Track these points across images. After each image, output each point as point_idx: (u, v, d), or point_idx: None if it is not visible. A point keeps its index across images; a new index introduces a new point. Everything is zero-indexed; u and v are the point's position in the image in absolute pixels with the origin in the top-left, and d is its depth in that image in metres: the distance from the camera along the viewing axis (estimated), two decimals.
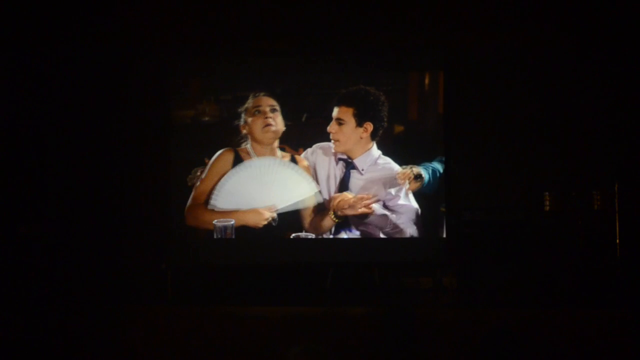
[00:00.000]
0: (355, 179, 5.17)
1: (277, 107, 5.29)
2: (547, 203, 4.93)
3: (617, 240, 4.76)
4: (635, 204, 4.95)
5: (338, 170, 5.21)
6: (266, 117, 5.29)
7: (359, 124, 5.15)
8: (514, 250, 4.71)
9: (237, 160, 5.26)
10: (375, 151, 5.16)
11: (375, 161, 5.16)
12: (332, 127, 5.18)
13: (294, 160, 5.26)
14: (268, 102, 5.33)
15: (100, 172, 5.56)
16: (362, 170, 5.16)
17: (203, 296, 5.14)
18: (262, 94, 5.32)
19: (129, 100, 5.60)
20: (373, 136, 5.16)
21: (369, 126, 5.14)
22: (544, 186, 5.05)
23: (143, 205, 5.55)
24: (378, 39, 5.38)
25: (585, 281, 4.73)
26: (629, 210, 4.87)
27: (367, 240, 5.11)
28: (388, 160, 5.15)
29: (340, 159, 5.22)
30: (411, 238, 5.07)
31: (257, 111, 5.30)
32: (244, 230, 5.19)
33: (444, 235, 5.04)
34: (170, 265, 5.18)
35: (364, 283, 5.30)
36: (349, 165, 5.19)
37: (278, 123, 5.29)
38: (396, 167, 5.14)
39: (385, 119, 5.14)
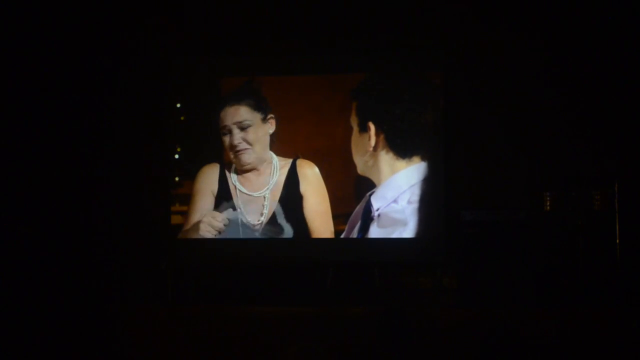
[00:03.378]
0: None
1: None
2: (547, 203, 4.93)
3: (617, 240, 4.76)
4: (635, 204, 4.94)
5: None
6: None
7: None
8: (514, 250, 4.71)
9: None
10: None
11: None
12: None
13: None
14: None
15: (101, 172, 5.56)
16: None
17: (203, 296, 5.14)
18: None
19: (130, 100, 5.60)
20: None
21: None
22: (544, 186, 5.05)
23: (143, 205, 5.54)
24: (378, 39, 5.38)
25: (585, 281, 4.72)
26: (629, 210, 4.87)
27: (367, 240, 5.10)
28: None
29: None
30: (411, 238, 5.06)
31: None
32: (244, 230, 5.19)
33: (444, 235, 5.04)
34: (170, 265, 5.18)
35: (364, 283, 5.30)
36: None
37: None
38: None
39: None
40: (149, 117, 5.54)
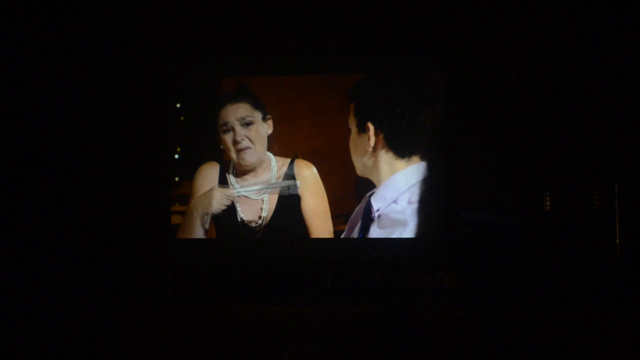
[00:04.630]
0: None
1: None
2: (547, 203, 4.92)
3: (617, 240, 4.75)
4: (635, 204, 4.94)
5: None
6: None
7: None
8: (514, 250, 4.71)
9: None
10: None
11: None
12: None
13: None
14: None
15: (101, 172, 5.56)
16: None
17: (203, 296, 5.14)
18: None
19: (130, 100, 5.60)
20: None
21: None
22: (544, 186, 5.05)
23: (143, 205, 5.55)
24: (378, 39, 5.38)
25: (585, 281, 4.72)
26: (629, 210, 4.87)
27: (367, 240, 5.10)
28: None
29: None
30: (411, 238, 5.06)
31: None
32: (244, 230, 5.20)
33: (444, 235, 5.03)
34: (170, 265, 5.18)
35: (364, 283, 5.30)
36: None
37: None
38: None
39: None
40: (149, 117, 5.54)
